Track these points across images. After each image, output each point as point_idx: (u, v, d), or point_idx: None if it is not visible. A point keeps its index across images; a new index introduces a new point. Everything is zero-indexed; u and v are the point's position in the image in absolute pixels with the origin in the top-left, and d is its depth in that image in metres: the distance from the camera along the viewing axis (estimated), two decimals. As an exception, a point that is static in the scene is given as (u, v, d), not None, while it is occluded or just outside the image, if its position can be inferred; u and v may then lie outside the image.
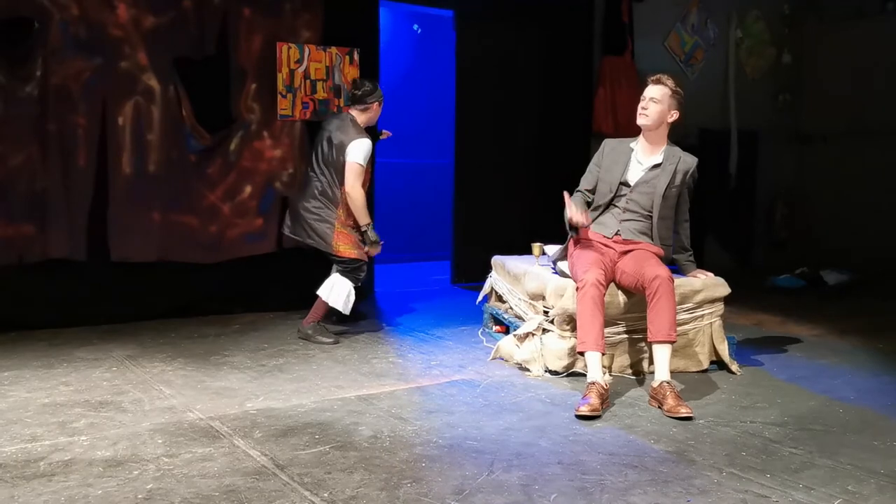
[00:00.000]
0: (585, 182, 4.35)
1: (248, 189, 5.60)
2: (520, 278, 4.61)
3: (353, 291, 4.86)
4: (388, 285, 6.76)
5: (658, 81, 4.15)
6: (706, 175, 7.93)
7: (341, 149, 4.79)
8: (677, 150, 4.25)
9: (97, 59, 5.07)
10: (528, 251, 4.87)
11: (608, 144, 4.33)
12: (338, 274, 4.84)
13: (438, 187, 7.98)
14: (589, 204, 4.31)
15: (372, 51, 6.12)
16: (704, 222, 8.02)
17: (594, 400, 3.53)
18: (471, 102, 6.84)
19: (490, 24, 6.88)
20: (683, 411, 3.48)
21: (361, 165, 4.77)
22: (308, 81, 5.74)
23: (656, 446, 3.16)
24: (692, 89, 8.03)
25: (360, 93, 4.93)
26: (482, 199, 6.96)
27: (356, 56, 5.97)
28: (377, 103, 4.98)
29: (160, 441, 3.11)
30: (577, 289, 3.87)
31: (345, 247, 4.84)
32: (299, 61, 5.74)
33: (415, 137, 8.39)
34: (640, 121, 4.16)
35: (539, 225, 6.13)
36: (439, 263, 7.65)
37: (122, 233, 5.21)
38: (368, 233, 4.84)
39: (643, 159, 4.20)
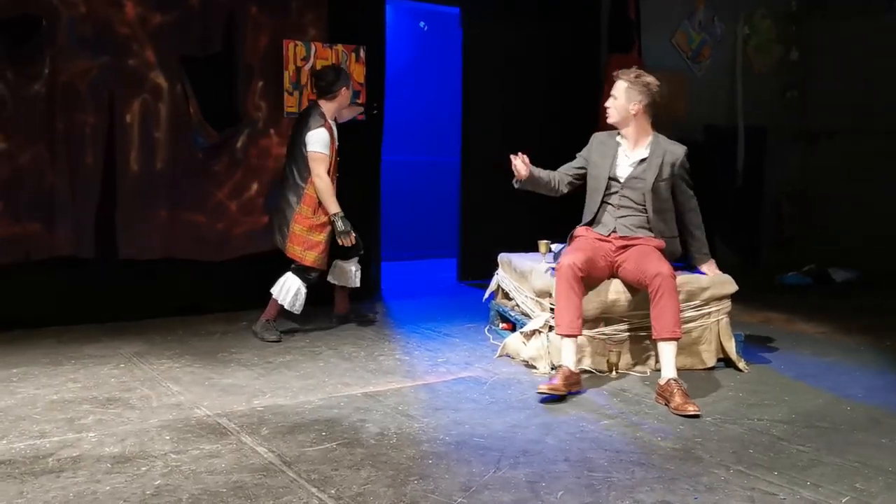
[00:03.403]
0: (567, 166, 4.36)
1: (254, 186, 5.60)
2: (526, 276, 4.61)
3: (302, 290, 4.78)
4: (394, 283, 6.76)
5: (616, 77, 4.16)
6: (712, 173, 7.99)
7: (303, 142, 4.74)
8: (663, 140, 4.19)
9: (104, 57, 5.08)
10: (535, 248, 4.87)
11: (597, 138, 4.32)
12: (290, 272, 4.81)
13: (444, 185, 7.97)
14: (555, 182, 4.32)
15: (378, 48, 6.12)
16: (711, 220, 7.99)
17: (557, 381, 3.67)
18: (477, 100, 6.83)
19: (496, 21, 6.86)
20: (691, 409, 3.48)
21: (322, 153, 4.70)
22: (314, 79, 5.73)
23: (663, 444, 3.16)
24: (699, 86, 8.03)
25: (324, 83, 4.84)
26: (488, 196, 6.94)
27: (362, 53, 5.97)
28: (345, 88, 4.88)
29: (168, 437, 3.12)
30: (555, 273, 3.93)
31: (292, 248, 4.79)
32: (306, 58, 5.74)
33: (421, 135, 8.39)
34: (607, 120, 4.20)
35: (545, 222, 6.11)
36: (445, 261, 7.65)
37: (129, 230, 5.23)
38: (337, 222, 4.71)
39: (630, 153, 4.17)
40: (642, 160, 4.13)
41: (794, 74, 8.70)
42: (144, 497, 2.59)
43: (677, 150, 4.17)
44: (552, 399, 3.63)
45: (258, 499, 2.59)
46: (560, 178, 4.33)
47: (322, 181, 4.70)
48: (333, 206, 4.73)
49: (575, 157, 4.37)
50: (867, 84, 8.12)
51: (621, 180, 4.15)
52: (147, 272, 5.30)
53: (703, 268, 4.34)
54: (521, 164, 4.15)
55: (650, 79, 4.11)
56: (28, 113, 4.90)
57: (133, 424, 3.28)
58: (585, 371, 4.11)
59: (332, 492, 2.65)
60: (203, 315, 5.39)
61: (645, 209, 4.13)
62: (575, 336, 3.85)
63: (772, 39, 8.56)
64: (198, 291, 5.48)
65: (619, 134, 4.20)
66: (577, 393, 3.80)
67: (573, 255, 3.92)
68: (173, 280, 5.40)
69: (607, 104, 4.16)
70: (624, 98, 4.08)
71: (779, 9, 8.56)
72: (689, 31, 7.95)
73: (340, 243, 4.79)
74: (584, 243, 4.06)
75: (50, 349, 4.50)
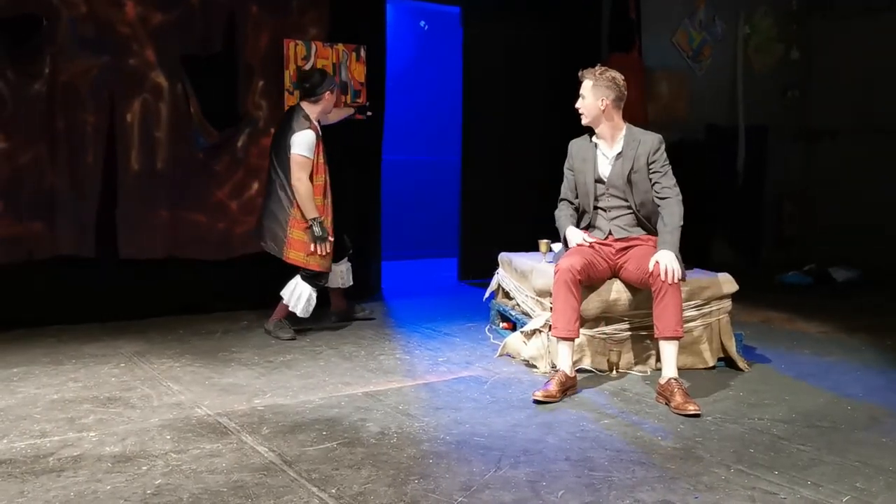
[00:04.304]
0: (567, 190, 4.29)
1: (255, 186, 5.60)
2: (527, 275, 4.61)
3: (313, 296, 4.78)
4: (394, 282, 6.76)
5: (582, 77, 4.09)
6: (713, 172, 8.00)
7: (287, 144, 4.68)
8: (637, 133, 4.10)
9: (105, 57, 5.08)
10: (535, 248, 4.87)
11: (574, 145, 4.26)
12: (299, 277, 4.79)
13: (445, 184, 7.98)
14: (578, 210, 4.26)
15: (378, 47, 6.12)
16: (712, 220, 8.00)
17: (552, 387, 3.68)
18: (477, 99, 6.83)
19: (497, 20, 6.87)
20: (691, 408, 3.48)
21: (305, 157, 4.64)
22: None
23: (664, 443, 3.16)
24: (700, 86, 8.03)
25: (308, 85, 4.79)
26: (489, 195, 6.95)
27: (363, 53, 5.98)
28: (329, 93, 4.82)
29: (168, 437, 3.13)
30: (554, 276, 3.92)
31: (295, 254, 4.74)
32: (306, 58, 5.74)
33: (421, 134, 8.39)
34: (581, 121, 4.13)
35: (546, 222, 6.11)
36: (446, 260, 7.65)
37: (130, 230, 5.23)
38: (314, 228, 4.65)
39: (607, 152, 4.12)
40: (618, 155, 4.09)
41: (795, 74, 8.71)
42: (145, 496, 2.59)
43: (649, 139, 4.07)
44: (544, 403, 3.63)
45: (259, 498, 2.59)
46: (574, 207, 4.26)
47: (302, 185, 4.63)
48: (312, 212, 4.66)
49: (564, 173, 4.32)
50: (868, 83, 8.12)
51: (605, 180, 4.12)
52: (148, 271, 5.31)
53: (657, 255, 3.82)
54: (588, 240, 4.08)
55: (614, 73, 4.06)
56: (29, 112, 4.91)
57: (134, 424, 3.28)
58: (586, 370, 4.11)
59: (333, 491, 2.65)
60: (204, 314, 5.39)
61: (632, 206, 4.12)
62: (571, 339, 3.85)
63: (772, 39, 8.56)
64: (198, 291, 5.49)
65: (594, 135, 4.17)
66: (577, 392, 3.81)
67: (572, 258, 3.91)
68: (174, 279, 5.41)
69: (577, 105, 4.10)
70: (591, 96, 4.03)
71: (779, 8, 8.56)
72: (690, 31, 7.95)
73: (312, 249, 4.69)
74: (579, 248, 4.03)
75: (50, 348, 4.50)
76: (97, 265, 5.16)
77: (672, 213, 3.94)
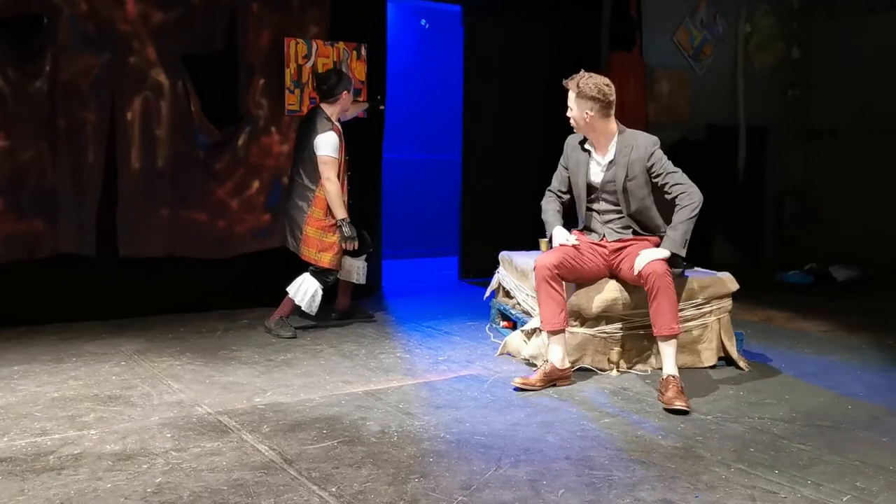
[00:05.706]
0: (557, 182, 4.25)
1: (255, 184, 5.61)
2: (527, 274, 4.60)
3: (319, 292, 4.84)
4: (395, 281, 6.76)
5: (565, 87, 4.01)
6: (714, 171, 7.99)
7: (311, 146, 4.79)
8: (630, 137, 4.01)
9: (106, 55, 5.08)
10: (536, 247, 4.87)
11: (569, 144, 4.21)
12: (308, 273, 4.85)
13: (446, 183, 7.98)
14: (565, 205, 4.24)
15: (379, 46, 6.12)
16: (713, 218, 7.99)
17: (535, 377, 3.78)
18: (478, 98, 6.83)
19: (498, 19, 6.86)
20: (678, 404, 3.48)
21: (332, 157, 4.76)
22: (316, 82, 5.73)
23: (664, 442, 3.16)
24: (701, 85, 8.02)
25: (326, 87, 4.89)
26: (489, 194, 6.95)
27: (363, 51, 5.97)
28: (346, 92, 4.92)
29: (169, 435, 3.13)
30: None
31: (307, 250, 4.84)
32: (307, 56, 5.74)
33: (422, 133, 8.39)
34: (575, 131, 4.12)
35: (547, 220, 6.13)
36: (447, 259, 7.65)
37: (130, 228, 5.23)
38: (343, 228, 4.77)
39: (599, 158, 4.06)
40: (611, 162, 4.02)
41: (796, 72, 8.70)
42: (145, 495, 2.59)
43: (642, 143, 3.99)
44: (522, 391, 3.75)
45: (259, 497, 2.59)
46: (561, 201, 4.23)
47: (332, 185, 4.74)
48: (341, 212, 4.78)
49: (558, 167, 4.30)
50: (869, 82, 8.12)
51: (597, 185, 4.08)
52: (148, 270, 5.31)
53: (653, 250, 3.86)
54: (572, 240, 4.05)
55: (598, 80, 3.94)
56: (30, 111, 4.91)
57: (134, 422, 3.28)
58: (586, 369, 4.11)
59: (333, 490, 2.65)
60: (204, 313, 5.40)
61: (623, 212, 4.07)
62: (560, 331, 3.87)
63: (774, 37, 8.55)
64: (199, 289, 5.49)
65: (586, 139, 4.11)
66: (577, 391, 3.81)
67: (549, 256, 3.94)
68: (174, 278, 5.41)
69: (568, 116, 4.04)
70: (576, 108, 3.97)
71: (781, 7, 8.55)
72: (691, 29, 7.94)
73: (343, 247, 4.84)
74: (561, 248, 4.00)
75: (51, 346, 4.50)
76: (98, 263, 5.17)
77: (684, 207, 3.88)
